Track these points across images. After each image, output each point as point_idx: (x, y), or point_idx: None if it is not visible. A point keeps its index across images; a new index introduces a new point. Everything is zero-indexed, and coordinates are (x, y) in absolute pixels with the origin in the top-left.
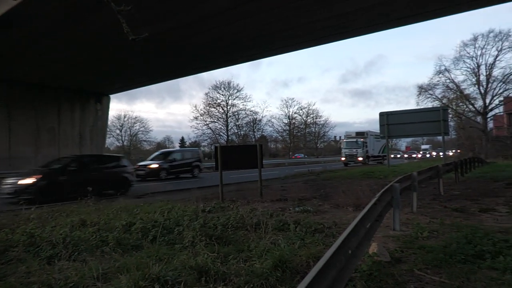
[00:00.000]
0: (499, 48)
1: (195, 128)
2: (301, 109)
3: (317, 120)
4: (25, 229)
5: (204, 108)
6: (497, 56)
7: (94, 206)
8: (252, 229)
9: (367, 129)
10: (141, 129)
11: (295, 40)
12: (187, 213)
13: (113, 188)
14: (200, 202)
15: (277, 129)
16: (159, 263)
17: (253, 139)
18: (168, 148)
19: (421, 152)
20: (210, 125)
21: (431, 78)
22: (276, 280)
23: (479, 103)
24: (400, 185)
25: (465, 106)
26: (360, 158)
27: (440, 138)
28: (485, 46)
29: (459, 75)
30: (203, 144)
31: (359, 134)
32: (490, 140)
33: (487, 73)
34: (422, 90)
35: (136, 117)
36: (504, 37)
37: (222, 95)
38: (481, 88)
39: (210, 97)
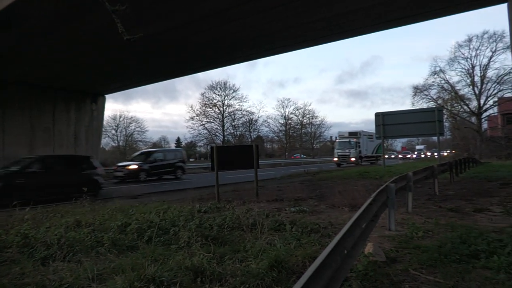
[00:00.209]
0: (493, 49)
1: (191, 128)
2: (297, 110)
3: (313, 120)
4: (19, 230)
5: (200, 108)
6: (491, 57)
7: (89, 206)
8: (248, 229)
9: (363, 129)
10: (136, 129)
11: (294, 40)
12: (183, 214)
13: (80, 191)
14: (196, 202)
15: (273, 129)
16: (154, 263)
17: (249, 140)
18: (164, 147)
19: (415, 153)
20: (206, 126)
21: (426, 79)
22: (272, 281)
23: (474, 104)
24: (396, 185)
25: (459, 106)
26: (353, 159)
27: (435, 138)
28: (480, 47)
29: (454, 76)
30: (199, 144)
31: (352, 134)
32: (484, 141)
33: (482, 74)
34: (418, 90)
35: (131, 117)
36: (498, 39)
37: (218, 95)
38: (475, 89)
39: (206, 97)
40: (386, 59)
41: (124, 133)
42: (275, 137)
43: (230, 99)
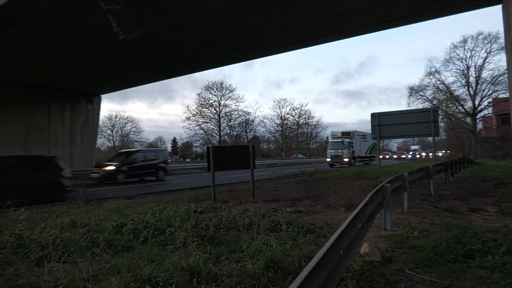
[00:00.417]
0: (488, 50)
1: (187, 128)
2: (294, 110)
3: (309, 120)
4: (13, 230)
5: (196, 108)
6: (486, 58)
7: (85, 207)
8: (244, 229)
9: (359, 129)
10: (132, 130)
11: (293, 40)
12: (179, 214)
13: (44, 195)
14: (192, 202)
15: (269, 129)
16: (150, 264)
17: (246, 140)
18: (160, 148)
19: (410, 153)
20: (202, 126)
21: (422, 80)
22: (268, 281)
23: (469, 104)
24: (391, 186)
25: (455, 107)
26: (346, 159)
27: (430, 138)
28: (475, 48)
29: (449, 77)
30: (195, 144)
31: (345, 134)
32: (479, 141)
33: (476, 74)
34: (413, 91)
35: (127, 117)
36: (493, 40)
37: (215, 95)
38: (470, 89)
39: (203, 97)
40: (382, 59)
41: (120, 133)
42: (272, 138)
43: (226, 99)
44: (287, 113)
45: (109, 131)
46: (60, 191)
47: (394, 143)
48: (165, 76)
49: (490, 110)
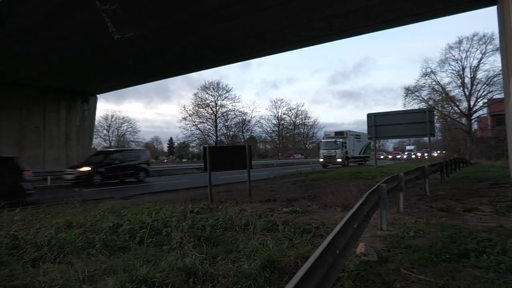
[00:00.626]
0: (483, 51)
1: (184, 128)
2: (290, 110)
3: (306, 121)
4: (8, 231)
5: (193, 108)
6: (481, 59)
7: (81, 207)
8: (240, 230)
9: (355, 129)
10: (128, 130)
11: (292, 40)
12: (175, 214)
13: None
14: (189, 203)
15: (266, 130)
16: (146, 264)
17: (242, 140)
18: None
19: (405, 153)
20: (199, 126)
21: (418, 80)
22: (265, 281)
23: (464, 105)
24: (387, 186)
25: (450, 107)
26: (339, 160)
27: (426, 139)
28: (470, 49)
29: (445, 77)
30: (192, 145)
31: (338, 134)
32: (474, 141)
33: (472, 75)
34: (409, 92)
35: (124, 118)
36: (488, 41)
37: (211, 95)
38: (465, 90)
39: (199, 97)
40: (378, 60)
41: (116, 133)
42: (268, 138)
43: (223, 100)
44: (284, 113)
45: (105, 131)
46: (18, 194)
47: (390, 143)
48: (162, 76)
49: (485, 110)
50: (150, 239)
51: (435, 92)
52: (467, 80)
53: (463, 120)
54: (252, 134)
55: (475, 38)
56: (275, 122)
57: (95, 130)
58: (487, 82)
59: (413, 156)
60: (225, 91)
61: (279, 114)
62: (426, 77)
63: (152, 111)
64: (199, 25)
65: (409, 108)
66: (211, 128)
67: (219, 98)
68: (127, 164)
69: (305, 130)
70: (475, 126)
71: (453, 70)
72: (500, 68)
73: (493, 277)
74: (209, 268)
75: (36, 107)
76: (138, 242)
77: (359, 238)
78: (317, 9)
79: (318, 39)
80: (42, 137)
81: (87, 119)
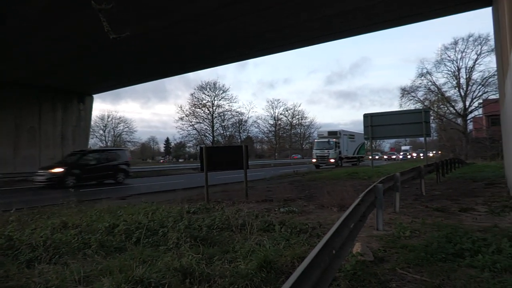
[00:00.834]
0: (478, 52)
1: (181, 129)
2: (287, 110)
3: (302, 121)
4: (3, 232)
5: (189, 108)
6: (476, 60)
7: (77, 208)
8: (237, 230)
9: (351, 129)
10: (125, 130)
11: (291, 40)
12: (171, 214)
13: None
14: (185, 203)
15: (262, 130)
16: (142, 265)
17: (239, 140)
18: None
19: (401, 154)
20: (195, 126)
21: (414, 81)
22: (261, 281)
23: (460, 106)
24: (383, 186)
25: (446, 108)
26: (332, 160)
27: (422, 139)
28: (465, 50)
29: (441, 78)
30: (188, 145)
31: (332, 133)
32: (470, 142)
33: (467, 76)
34: (405, 92)
35: (120, 118)
36: (483, 41)
37: (208, 95)
38: (461, 90)
39: (196, 97)
40: (375, 60)
41: (113, 133)
42: (265, 138)
43: (219, 100)
44: (281, 114)
45: (101, 131)
46: None
47: (386, 144)
48: (163, 75)
49: (480, 111)
50: (146, 240)
51: (431, 93)
52: (462, 80)
53: (459, 120)
54: (249, 134)
55: (471, 39)
56: (272, 122)
57: (91, 130)
58: (482, 83)
59: (409, 156)
60: (221, 91)
61: (276, 114)
62: (422, 78)
63: (148, 111)
64: (199, 24)
65: (405, 109)
66: (208, 128)
67: (215, 98)
68: (105, 165)
69: (301, 130)
70: (470, 126)
71: (448, 70)
72: (495, 68)
73: (488, 277)
74: (205, 269)
75: (31, 107)
76: (134, 243)
77: (355, 238)
78: (317, 9)
79: (318, 38)
80: (37, 137)
81: (83, 119)
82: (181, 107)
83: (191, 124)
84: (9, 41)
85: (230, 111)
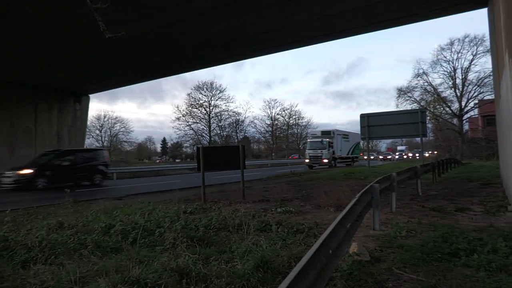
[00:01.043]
0: (474, 53)
1: (177, 129)
2: (284, 110)
3: (299, 121)
4: None
5: (186, 108)
6: (472, 60)
7: (72, 208)
8: (234, 230)
9: (348, 129)
10: (121, 130)
11: (289, 40)
12: (168, 215)
13: None
14: (182, 203)
15: (259, 130)
16: (139, 265)
17: (236, 140)
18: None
19: (397, 154)
20: (192, 126)
21: (410, 81)
22: (258, 281)
23: (456, 106)
24: (380, 186)
25: (442, 108)
26: (325, 160)
27: (418, 139)
28: (461, 51)
29: (437, 78)
30: (185, 145)
31: (325, 133)
32: (465, 142)
33: (463, 76)
34: (402, 92)
35: (116, 117)
36: (479, 42)
37: (205, 95)
38: (457, 91)
39: (193, 97)
40: (371, 61)
41: (109, 133)
42: (262, 138)
43: (216, 100)
44: (277, 114)
45: (97, 131)
46: None
47: (383, 144)
48: (162, 75)
49: (476, 111)
50: (142, 240)
51: (427, 93)
52: (458, 81)
53: (455, 120)
54: (246, 134)
55: (466, 39)
56: (269, 123)
57: (87, 130)
58: (478, 83)
59: (405, 157)
60: (218, 91)
61: (273, 114)
62: (418, 78)
63: (145, 111)
64: (199, 24)
65: (401, 109)
66: (205, 128)
67: (212, 98)
68: (80, 166)
69: (298, 130)
70: (466, 126)
71: (444, 71)
72: (491, 69)
73: (484, 276)
74: (202, 269)
75: (27, 107)
76: (130, 243)
77: (352, 238)
78: (317, 8)
79: (317, 38)
80: (33, 137)
81: (79, 119)
82: (178, 107)
83: (188, 124)
84: (8, 41)
85: (227, 111)
